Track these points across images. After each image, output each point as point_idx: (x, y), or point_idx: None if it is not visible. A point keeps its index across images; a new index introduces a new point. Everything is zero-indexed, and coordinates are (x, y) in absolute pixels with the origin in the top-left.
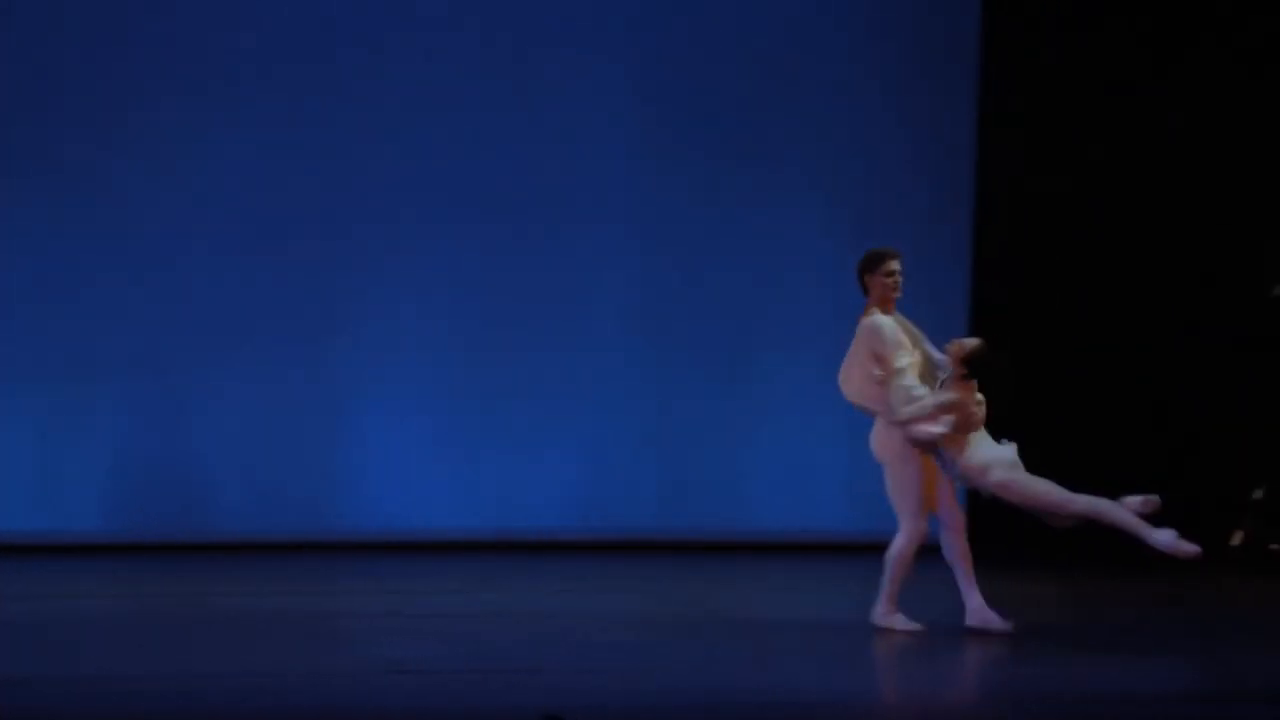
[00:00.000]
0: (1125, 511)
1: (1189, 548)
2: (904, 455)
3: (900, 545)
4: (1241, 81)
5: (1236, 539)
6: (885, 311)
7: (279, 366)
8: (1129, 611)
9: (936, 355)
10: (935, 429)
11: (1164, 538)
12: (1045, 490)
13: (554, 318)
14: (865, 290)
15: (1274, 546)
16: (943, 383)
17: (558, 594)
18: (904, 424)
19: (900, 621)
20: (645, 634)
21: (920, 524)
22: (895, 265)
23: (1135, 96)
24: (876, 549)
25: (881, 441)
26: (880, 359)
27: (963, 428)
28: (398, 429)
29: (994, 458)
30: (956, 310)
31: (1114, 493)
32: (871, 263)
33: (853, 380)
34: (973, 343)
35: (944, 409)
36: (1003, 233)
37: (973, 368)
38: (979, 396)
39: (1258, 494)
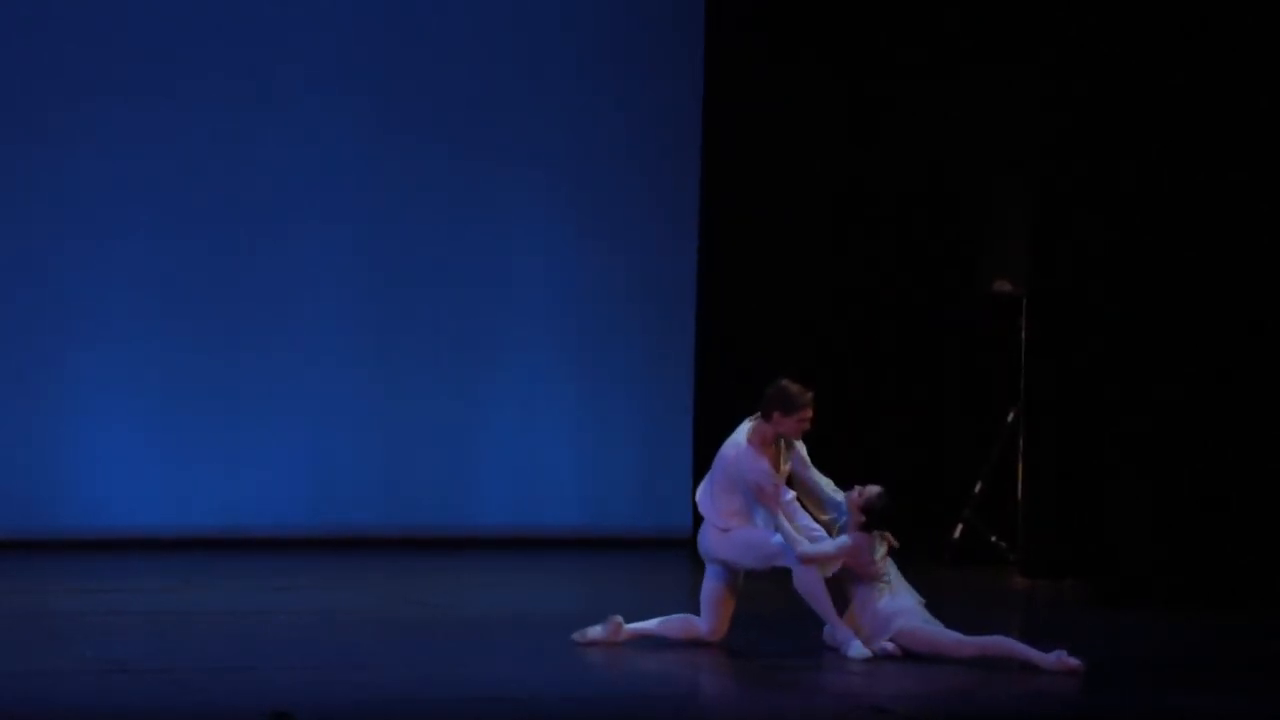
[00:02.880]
0: (1014, 642)
1: (1073, 663)
2: (725, 548)
3: (798, 575)
4: (964, 94)
5: (957, 532)
6: (767, 441)
7: None
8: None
9: (821, 480)
10: (826, 571)
11: (1052, 658)
12: (944, 641)
13: (277, 315)
14: (765, 417)
15: (994, 539)
16: (843, 527)
17: (281, 591)
18: (802, 559)
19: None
20: (369, 631)
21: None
22: (811, 412)
23: (861, 98)
24: (601, 544)
25: (714, 541)
26: (762, 495)
27: (865, 578)
28: (117, 426)
29: (900, 607)
30: (683, 309)
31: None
32: (789, 404)
33: (717, 503)
34: (872, 491)
35: (841, 555)
36: (730, 228)
37: (871, 516)
38: (882, 549)
39: (977, 488)
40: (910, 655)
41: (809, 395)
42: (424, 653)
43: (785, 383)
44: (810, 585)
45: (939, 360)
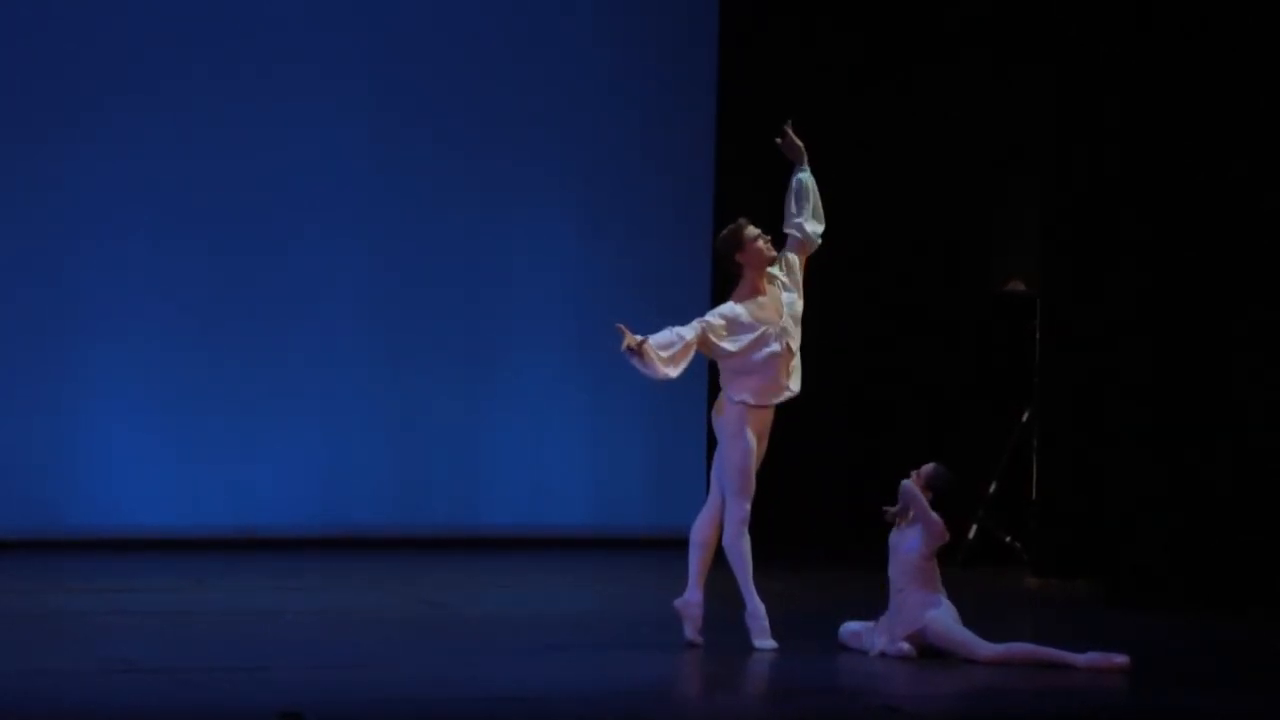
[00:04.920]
0: (1042, 647)
1: (1119, 659)
2: (736, 433)
3: (728, 531)
4: (972, 92)
5: (971, 532)
6: (759, 290)
7: (5, 362)
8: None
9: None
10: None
11: (1089, 657)
12: (970, 644)
13: (287, 315)
14: (739, 273)
15: (1009, 539)
16: (913, 516)
17: (290, 591)
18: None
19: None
20: (379, 631)
21: (746, 506)
22: (755, 229)
23: (870, 95)
24: (615, 544)
25: (717, 415)
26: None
27: (922, 566)
28: (126, 425)
29: (937, 602)
30: (696, 309)
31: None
32: (736, 240)
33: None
34: (928, 469)
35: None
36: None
37: (939, 493)
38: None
39: (991, 488)
40: (924, 655)
41: (742, 219)
42: (434, 653)
43: (720, 234)
44: (736, 553)
45: (952, 360)
